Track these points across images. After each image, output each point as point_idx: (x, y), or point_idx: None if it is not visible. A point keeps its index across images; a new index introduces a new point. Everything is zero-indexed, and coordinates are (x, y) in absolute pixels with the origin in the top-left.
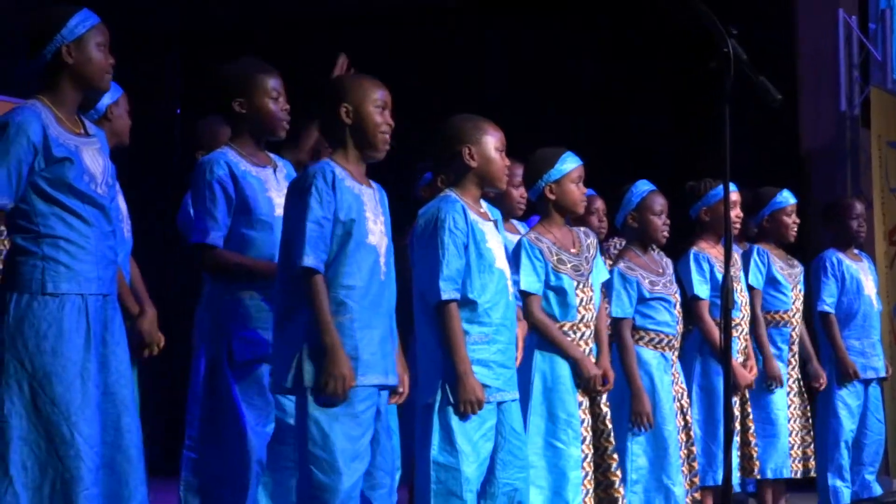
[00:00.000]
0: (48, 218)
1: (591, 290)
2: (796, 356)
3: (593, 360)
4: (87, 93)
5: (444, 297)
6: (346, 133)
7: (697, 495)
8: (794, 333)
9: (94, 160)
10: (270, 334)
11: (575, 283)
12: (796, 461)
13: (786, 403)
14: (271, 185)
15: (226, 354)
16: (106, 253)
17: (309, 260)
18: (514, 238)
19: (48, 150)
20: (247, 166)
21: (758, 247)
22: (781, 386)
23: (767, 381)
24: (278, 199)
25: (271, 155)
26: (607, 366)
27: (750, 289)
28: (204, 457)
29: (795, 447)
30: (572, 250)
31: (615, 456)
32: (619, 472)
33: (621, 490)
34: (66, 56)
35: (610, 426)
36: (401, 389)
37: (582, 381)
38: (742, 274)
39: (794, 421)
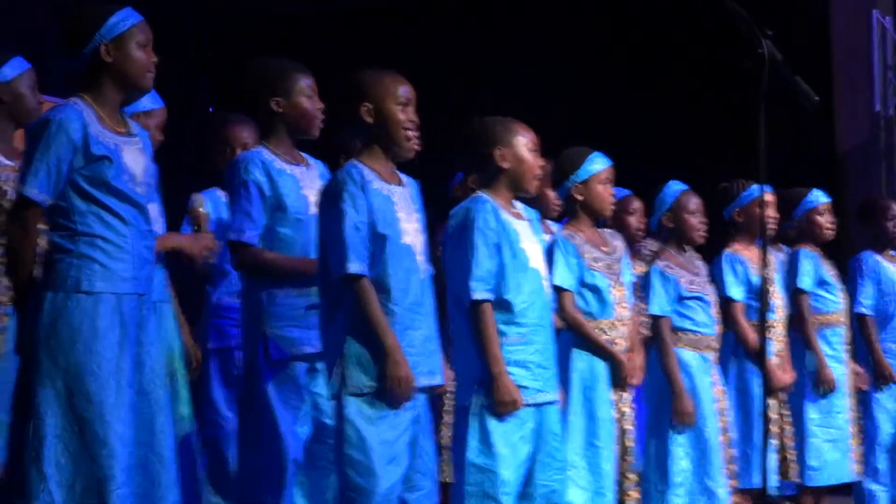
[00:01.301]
0: (86, 216)
1: (625, 289)
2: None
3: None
4: (129, 92)
5: (476, 296)
6: (370, 132)
7: (735, 498)
8: (846, 333)
9: (135, 159)
10: (305, 332)
11: (609, 282)
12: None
13: (846, 406)
14: (306, 184)
15: (261, 353)
16: (143, 252)
17: (354, 266)
18: (548, 239)
19: (88, 149)
20: (281, 164)
21: (805, 249)
22: (833, 390)
23: (821, 385)
24: (313, 198)
25: (304, 154)
26: (640, 361)
27: (798, 291)
28: (241, 457)
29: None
30: (604, 249)
31: (630, 458)
32: (632, 476)
33: (633, 494)
34: (105, 55)
35: (631, 427)
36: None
37: (616, 377)
38: (777, 276)
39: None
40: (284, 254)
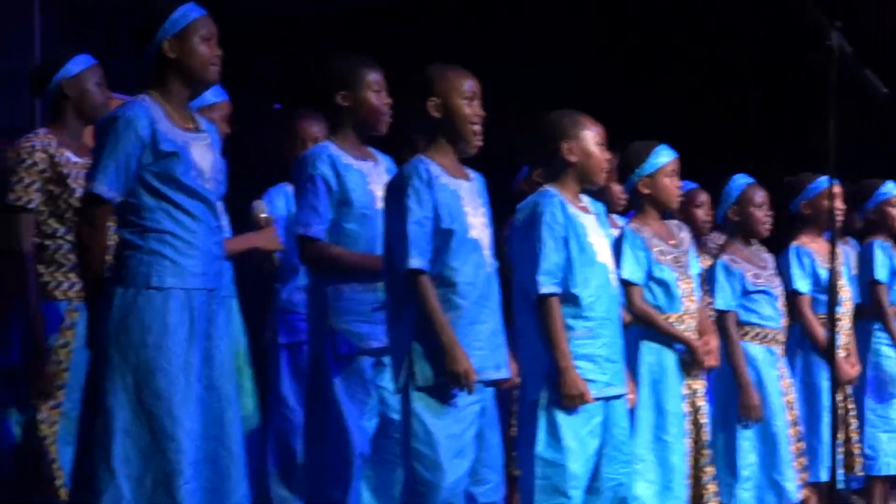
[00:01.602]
0: (155, 212)
1: (693, 282)
2: None
3: None
4: (195, 86)
5: (543, 290)
6: (437, 127)
7: (806, 491)
8: None
9: (203, 155)
10: (371, 327)
11: (677, 275)
12: None
13: None
14: (373, 179)
15: (328, 347)
16: (212, 248)
17: (415, 262)
18: (615, 233)
19: (156, 145)
20: (349, 160)
21: (878, 240)
22: None
23: None
24: (379, 193)
25: (371, 149)
26: (716, 344)
27: (875, 283)
28: (308, 451)
29: None
30: (671, 242)
31: (706, 452)
32: (709, 469)
33: (710, 487)
34: (169, 51)
35: (705, 420)
36: (511, 381)
37: (692, 365)
38: (845, 269)
39: None
40: (350, 249)
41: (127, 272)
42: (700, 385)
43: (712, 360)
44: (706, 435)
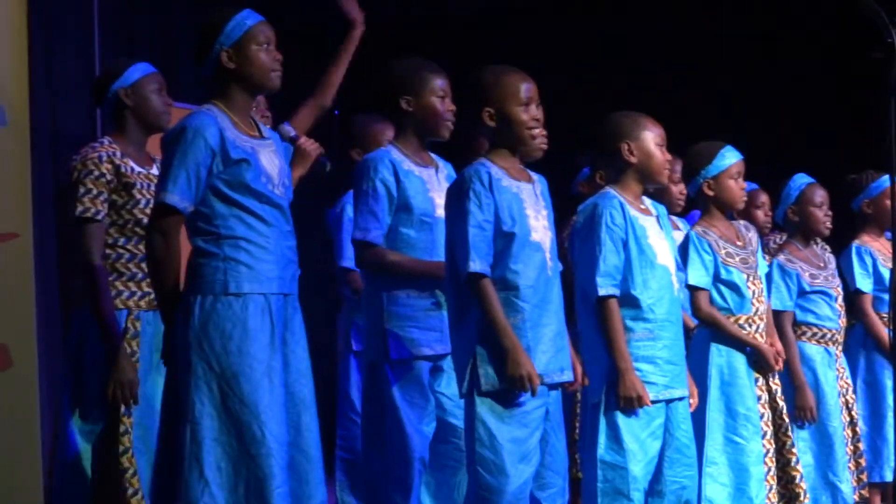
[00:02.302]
0: (228, 219)
1: (761, 283)
2: None
3: None
4: (257, 93)
5: (602, 292)
6: (495, 135)
7: (865, 492)
8: None
9: (271, 161)
10: (426, 333)
11: (745, 276)
12: None
13: None
14: (433, 185)
15: (384, 353)
16: (286, 252)
17: (475, 265)
18: (675, 235)
19: (226, 153)
20: (410, 165)
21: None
22: None
23: None
24: (439, 200)
25: (433, 155)
26: (780, 346)
27: None
28: (367, 457)
29: None
30: (738, 243)
31: (794, 450)
32: (799, 467)
33: (803, 485)
34: (228, 61)
35: (787, 420)
36: (575, 383)
37: (763, 367)
38: None
39: None
40: (408, 254)
41: (203, 280)
42: (778, 385)
43: (778, 366)
44: (790, 435)
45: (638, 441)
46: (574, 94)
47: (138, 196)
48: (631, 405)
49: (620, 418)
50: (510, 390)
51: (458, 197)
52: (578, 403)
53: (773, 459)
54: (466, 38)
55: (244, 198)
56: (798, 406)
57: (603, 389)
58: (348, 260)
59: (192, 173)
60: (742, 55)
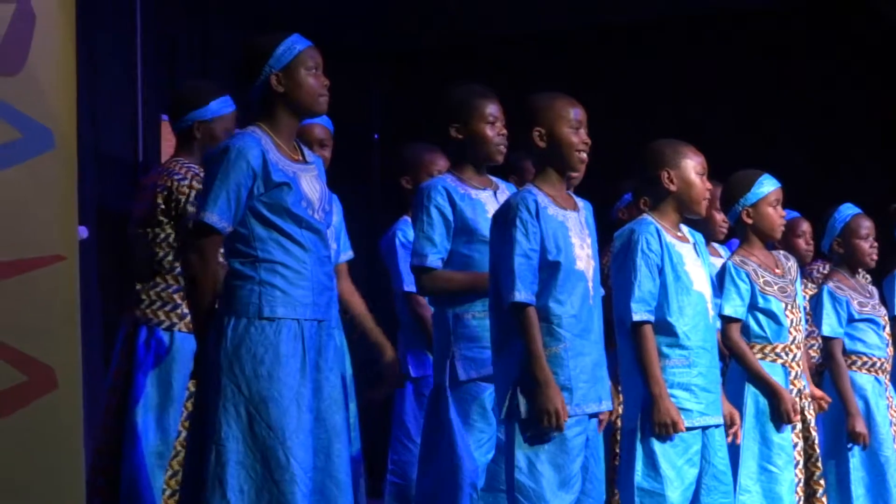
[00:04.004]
0: (266, 243)
1: (799, 312)
2: None
3: (804, 382)
4: (303, 118)
5: (636, 318)
6: (543, 156)
7: None
8: None
9: (312, 186)
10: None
11: (783, 305)
12: None
13: None
14: (490, 207)
15: (449, 375)
16: (322, 279)
17: (520, 295)
18: (716, 262)
19: (268, 175)
20: (465, 189)
21: None
22: None
23: None
24: None
25: (492, 178)
26: (816, 391)
27: None
28: (420, 479)
29: None
30: (777, 272)
31: (822, 482)
32: (824, 499)
33: None
34: (277, 85)
35: (818, 451)
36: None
37: (779, 410)
38: None
39: None
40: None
41: (238, 302)
42: (811, 415)
43: (796, 417)
44: (819, 466)
45: (675, 468)
46: (617, 122)
47: None
48: (666, 431)
49: (657, 445)
50: (539, 423)
51: (504, 224)
52: (618, 431)
53: (803, 489)
54: (520, 63)
55: (283, 221)
56: (850, 431)
57: (639, 416)
58: (409, 284)
59: (232, 194)
60: (785, 84)
